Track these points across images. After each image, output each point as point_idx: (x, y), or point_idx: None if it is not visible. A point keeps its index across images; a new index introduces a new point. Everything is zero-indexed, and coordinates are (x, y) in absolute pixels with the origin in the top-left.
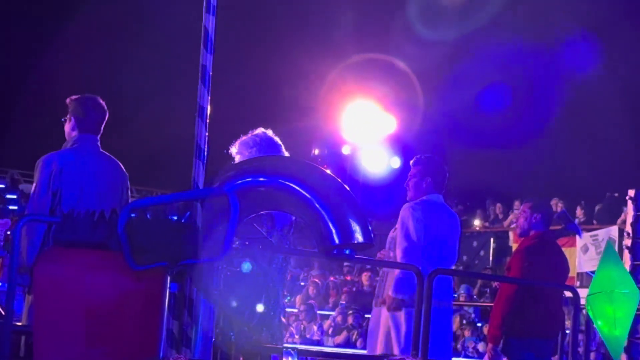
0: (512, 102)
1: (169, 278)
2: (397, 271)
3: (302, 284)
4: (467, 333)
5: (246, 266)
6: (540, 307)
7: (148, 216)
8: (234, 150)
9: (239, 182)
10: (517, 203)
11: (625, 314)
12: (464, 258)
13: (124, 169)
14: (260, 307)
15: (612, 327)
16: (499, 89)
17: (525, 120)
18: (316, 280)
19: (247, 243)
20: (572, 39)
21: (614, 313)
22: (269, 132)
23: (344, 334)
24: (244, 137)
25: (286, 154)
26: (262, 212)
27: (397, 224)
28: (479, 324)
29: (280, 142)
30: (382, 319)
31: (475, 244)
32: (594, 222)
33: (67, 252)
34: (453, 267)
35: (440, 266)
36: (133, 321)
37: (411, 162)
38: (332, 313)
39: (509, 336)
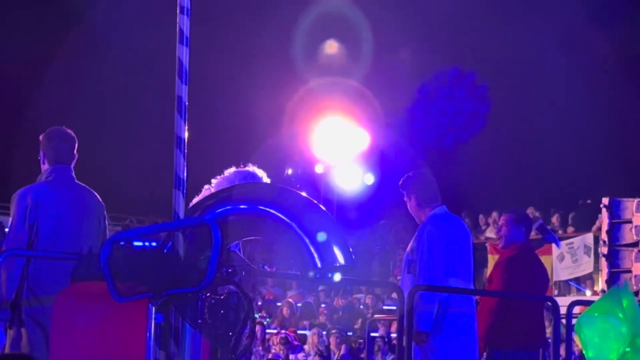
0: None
1: (153, 309)
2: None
3: (279, 304)
4: None
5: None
6: (523, 318)
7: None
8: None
9: (220, 210)
10: (494, 214)
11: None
12: None
13: (100, 199)
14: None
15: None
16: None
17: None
18: (290, 300)
19: (229, 270)
20: None
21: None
22: (250, 168)
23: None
24: (219, 179)
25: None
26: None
27: (414, 246)
28: None
29: (260, 174)
30: None
31: None
32: (569, 230)
33: (82, 286)
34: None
35: (464, 279)
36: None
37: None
38: (307, 332)
39: (492, 348)
